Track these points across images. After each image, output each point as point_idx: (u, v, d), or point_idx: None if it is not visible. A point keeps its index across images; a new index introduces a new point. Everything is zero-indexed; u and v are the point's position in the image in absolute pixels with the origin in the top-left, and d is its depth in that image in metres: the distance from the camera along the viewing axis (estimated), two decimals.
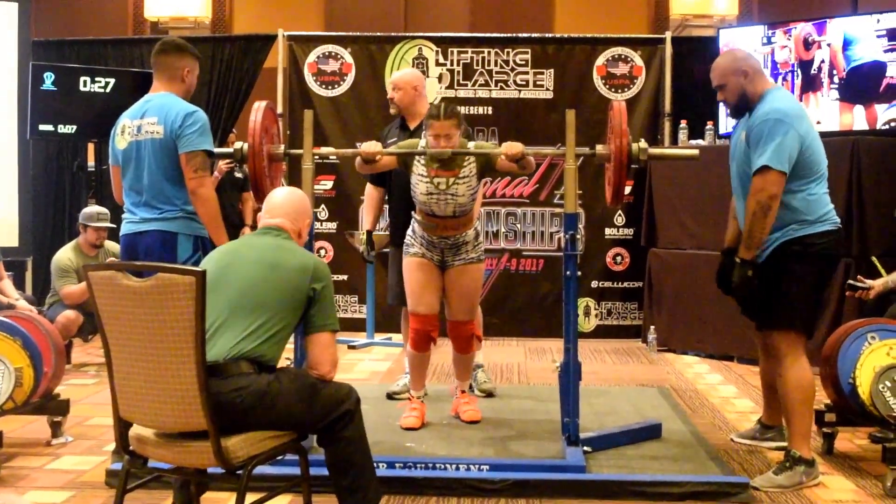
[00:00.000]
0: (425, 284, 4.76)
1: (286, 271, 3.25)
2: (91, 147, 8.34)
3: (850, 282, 5.24)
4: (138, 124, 4.30)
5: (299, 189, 3.79)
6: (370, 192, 5.59)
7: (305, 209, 3.56)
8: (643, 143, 4.26)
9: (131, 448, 3.15)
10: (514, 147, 4.44)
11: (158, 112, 4.25)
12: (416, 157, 4.66)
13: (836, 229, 4.26)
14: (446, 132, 4.52)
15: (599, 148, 4.38)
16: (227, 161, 7.61)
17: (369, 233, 5.58)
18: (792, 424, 4.26)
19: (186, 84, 4.40)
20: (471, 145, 4.68)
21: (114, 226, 7.27)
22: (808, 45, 7.11)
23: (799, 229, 4.19)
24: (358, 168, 4.75)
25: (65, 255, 6.53)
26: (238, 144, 4.39)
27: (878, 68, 6.80)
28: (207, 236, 4.31)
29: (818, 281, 4.27)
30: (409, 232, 4.88)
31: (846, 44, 6.93)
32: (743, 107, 4.33)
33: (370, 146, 4.60)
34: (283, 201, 3.52)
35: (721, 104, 4.53)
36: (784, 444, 4.56)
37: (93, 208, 6.75)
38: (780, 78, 7.20)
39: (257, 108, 4.36)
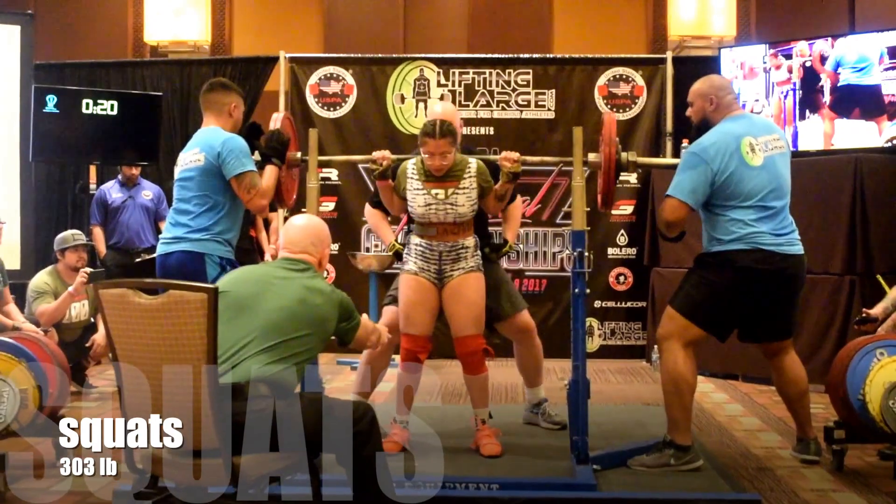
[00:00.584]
0: (417, 304, 4.70)
1: (315, 307, 3.36)
2: (93, 169, 8.34)
3: (858, 319, 5.26)
4: (186, 157, 4.58)
5: (315, 217, 3.83)
6: (373, 212, 5.24)
7: (324, 238, 3.64)
8: (632, 154, 4.53)
9: (141, 467, 3.14)
10: (511, 154, 4.59)
11: (200, 143, 4.55)
12: (409, 173, 4.68)
13: (751, 249, 4.38)
14: (441, 150, 4.53)
15: (591, 156, 4.53)
16: None
17: (394, 245, 5.11)
18: (667, 411, 4.55)
19: (234, 118, 4.67)
20: (472, 160, 4.68)
21: (91, 243, 7.27)
22: (807, 63, 7.13)
23: (712, 247, 4.49)
24: (385, 201, 4.83)
25: (41, 279, 6.50)
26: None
27: (879, 86, 6.82)
28: (233, 258, 4.53)
29: (724, 284, 4.45)
30: (406, 249, 4.87)
31: (846, 62, 6.95)
32: (703, 129, 4.59)
33: (380, 153, 4.70)
34: (303, 234, 3.57)
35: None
36: (812, 457, 4.70)
37: (66, 233, 6.74)
38: (778, 97, 7.23)
39: (275, 119, 4.65)
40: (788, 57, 7.26)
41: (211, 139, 4.50)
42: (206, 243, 4.46)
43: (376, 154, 4.69)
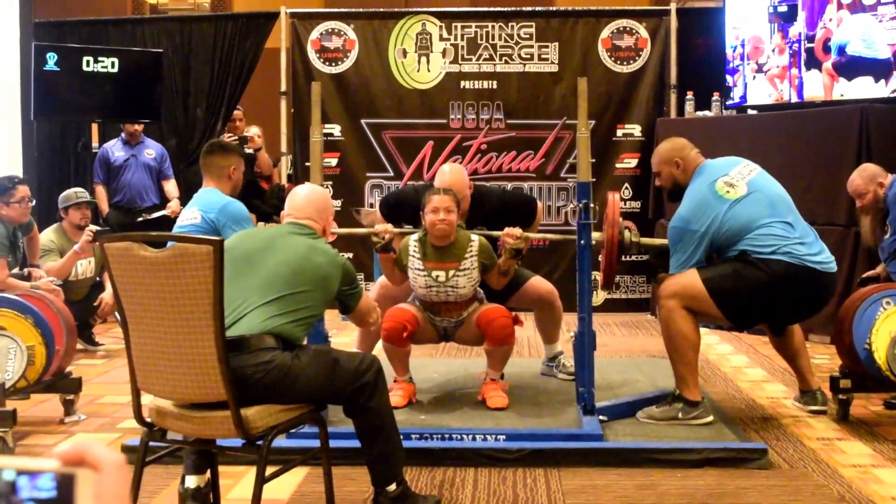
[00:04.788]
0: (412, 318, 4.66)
1: (318, 265, 3.32)
2: (95, 127, 8.31)
3: (860, 280, 5.30)
4: (184, 214, 4.65)
5: (319, 186, 3.83)
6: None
7: (328, 207, 3.62)
8: (635, 235, 4.57)
9: (150, 420, 3.15)
10: (514, 231, 4.53)
11: (199, 203, 4.62)
12: (411, 251, 4.61)
13: (794, 262, 4.33)
14: (446, 205, 4.47)
15: (595, 235, 4.47)
16: (228, 134, 7.84)
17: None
18: (673, 368, 4.54)
19: (233, 181, 4.71)
20: (474, 237, 4.61)
21: (94, 201, 7.26)
22: (812, 14, 7.05)
23: (754, 251, 4.38)
24: (385, 273, 4.79)
25: (46, 236, 6.48)
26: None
27: (890, 60, 6.72)
28: None
29: (759, 286, 4.37)
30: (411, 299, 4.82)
31: (849, 41, 6.84)
32: (676, 192, 4.65)
33: (383, 226, 4.60)
34: (307, 201, 3.55)
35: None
36: (819, 407, 4.73)
37: (69, 191, 6.71)
38: (783, 53, 7.17)
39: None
40: (794, 7, 7.16)
41: (209, 202, 4.54)
42: None
43: (378, 227, 4.62)
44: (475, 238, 4.60)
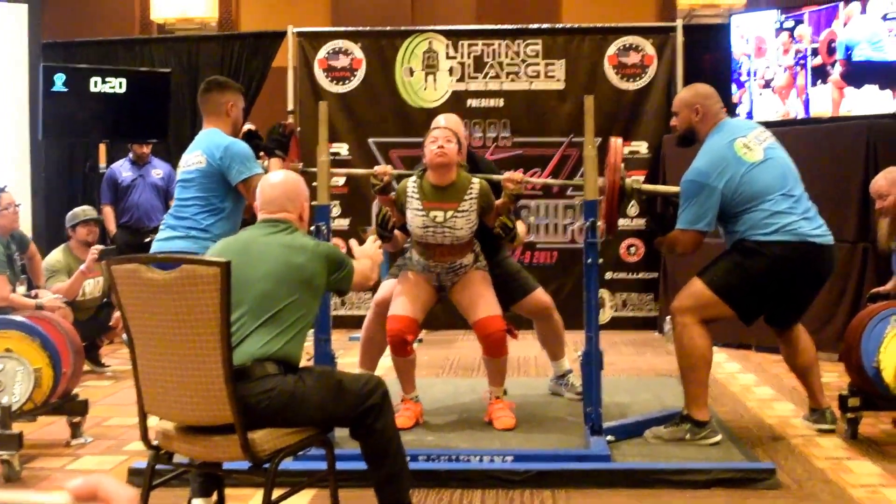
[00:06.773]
0: (408, 292, 4.67)
1: (299, 267, 3.24)
2: (103, 148, 8.33)
3: (869, 296, 5.29)
4: (188, 158, 4.53)
5: (289, 172, 3.76)
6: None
7: (301, 192, 3.47)
8: (636, 181, 4.55)
9: (156, 443, 3.15)
10: (515, 175, 4.54)
11: (201, 145, 4.49)
12: (409, 192, 4.61)
13: (794, 240, 4.35)
14: (445, 136, 4.48)
15: (598, 181, 4.45)
16: None
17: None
18: (683, 386, 4.52)
19: (232, 117, 4.60)
20: (475, 180, 4.61)
21: (101, 218, 7.27)
22: (819, 29, 7.05)
23: (752, 235, 4.40)
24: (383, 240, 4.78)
25: (54, 257, 6.51)
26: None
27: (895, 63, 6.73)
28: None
29: (762, 272, 4.40)
30: (406, 255, 4.85)
31: (856, 42, 6.84)
32: (688, 139, 4.66)
33: (382, 167, 4.67)
34: (278, 191, 3.42)
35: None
36: (828, 426, 4.69)
37: (77, 209, 6.73)
38: (789, 63, 7.16)
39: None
40: (800, 22, 7.17)
41: (212, 142, 4.44)
42: (206, 242, 4.38)
43: (378, 168, 4.68)
44: (476, 181, 4.60)
